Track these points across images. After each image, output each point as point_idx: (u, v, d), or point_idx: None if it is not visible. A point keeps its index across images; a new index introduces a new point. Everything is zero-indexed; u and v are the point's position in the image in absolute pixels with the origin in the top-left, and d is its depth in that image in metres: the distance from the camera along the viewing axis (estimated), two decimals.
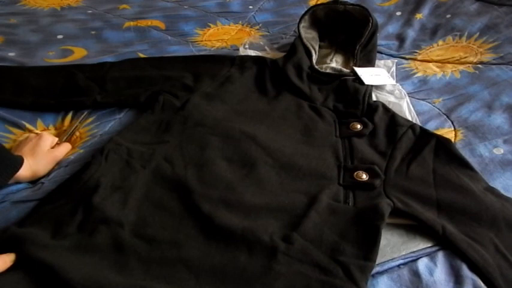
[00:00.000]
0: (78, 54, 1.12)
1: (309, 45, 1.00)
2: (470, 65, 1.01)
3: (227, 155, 0.75)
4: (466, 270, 0.60)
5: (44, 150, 0.78)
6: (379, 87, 0.93)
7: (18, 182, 0.74)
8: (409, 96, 0.93)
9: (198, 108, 0.85)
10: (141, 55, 1.10)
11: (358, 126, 0.81)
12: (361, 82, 0.89)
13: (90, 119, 0.90)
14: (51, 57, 1.10)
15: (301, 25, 1.03)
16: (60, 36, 1.20)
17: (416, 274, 0.61)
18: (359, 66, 0.95)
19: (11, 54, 1.10)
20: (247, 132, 0.80)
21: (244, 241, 0.62)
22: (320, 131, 0.81)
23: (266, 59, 0.98)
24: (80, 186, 0.69)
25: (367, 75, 0.91)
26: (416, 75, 1.00)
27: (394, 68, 1.00)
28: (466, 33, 1.10)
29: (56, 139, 0.82)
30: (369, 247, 0.61)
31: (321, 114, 0.85)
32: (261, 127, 0.82)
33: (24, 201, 0.72)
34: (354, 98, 0.86)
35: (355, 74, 0.92)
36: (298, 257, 0.60)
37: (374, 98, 0.90)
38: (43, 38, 1.19)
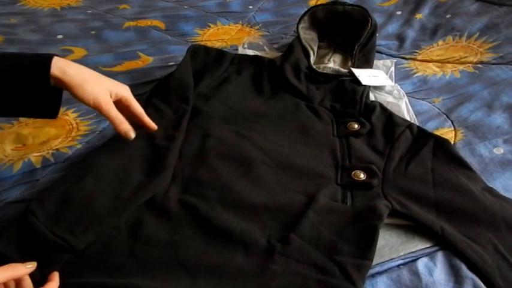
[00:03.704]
0: (78, 54, 1.13)
1: (307, 45, 1.00)
2: (470, 64, 1.01)
3: (224, 154, 0.75)
4: (465, 270, 0.60)
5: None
6: (377, 88, 0.93)
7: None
8: (408, 96, 0.93)
9: (195, 108, 0.85)
10: (141, 55, 1.11)
11: (356, 125, 0.81)
12: (358, 83, 0.89)
13: (90, 115, 0.90)
14: None
15: (300, 26, 1.03)
16: (60, 36, 1.20)
17: (415, 274, 0.60)
18: (357, 67, 0.95)
19: None
20: (244, 132, 0.80)
21: (241, 242, 0.62)
22: (317, 131, 0.81)
23: (264, 59, 0.98)
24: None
25: (365, 75, 0.91)
26: (416, 75, 1.00)
27: (393, 68, 1.00)
28: (466, 33, 1.10)
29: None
30: (366, 246, 0.61)
31: (318, 114, 0.84)
32: (258, 127, 0.82)
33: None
34: (351, 98, 0.86)
35: (352, 74, 0.92)
36: (294, 256, 0.60)
37: (372, 98, 0.90)
38: (43, 38, 1.19)
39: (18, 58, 0.62)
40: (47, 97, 0.63)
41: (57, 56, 0.63)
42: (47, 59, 0.62)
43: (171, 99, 0.85)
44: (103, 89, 0.64)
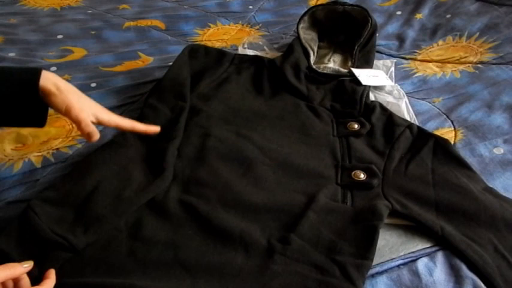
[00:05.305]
0: (78, 54, 1.13)
1: (307, 45, 1.00)
2: (470, 64, 1.01)
3: (224, 154, 0.75)
4: (465, 270, 0.60)
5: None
6: (377, 88, 0.93)
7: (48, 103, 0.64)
8: (408, 96, 0.93)
9: (195, 108, 0.85)
10: (141, 55, 1.10)
11: (356, 125, 0.81)
12: (358, 83, 0.89)
13: None
14: (51, 57, 1.11)
15: (300, 26, 1.03)
16: (60, 36, 1.20)
17: (416, 274, 0.61)
18: (357, 67, 0.95)
19: (11, 54, 1.11)
20: (244, 132, 0.80)
21: (241, 242, 0.62)
22: (317, 131, 0.81)
23: (264, 59, 0.98)
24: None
25: (365, 75, 0.91)
26: (416, 75, 1.00)
27: (393, 68, 1.00)
28: (466, 33, 1.10)
29: None
30: (366, 246, 0.61)
31: (318, 114, 0.84)
32: (258, 127, 0.82)
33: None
34: (351, 98, 0.86)
35: (352, 74, 0.92)
36: (295, 257, 0.60)
37: (372, 98, 0.90)
38: (43, 38, 1.19)
39: (6, 72, 0.63)
40: (36, 107, 0.64)
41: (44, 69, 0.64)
42: (36, 73, 0.62)
43: (167, 97, 0.85)
44: (85, 105, 0.66)
